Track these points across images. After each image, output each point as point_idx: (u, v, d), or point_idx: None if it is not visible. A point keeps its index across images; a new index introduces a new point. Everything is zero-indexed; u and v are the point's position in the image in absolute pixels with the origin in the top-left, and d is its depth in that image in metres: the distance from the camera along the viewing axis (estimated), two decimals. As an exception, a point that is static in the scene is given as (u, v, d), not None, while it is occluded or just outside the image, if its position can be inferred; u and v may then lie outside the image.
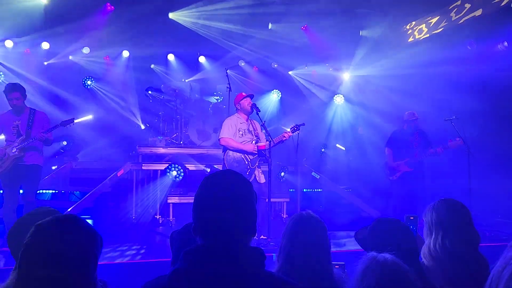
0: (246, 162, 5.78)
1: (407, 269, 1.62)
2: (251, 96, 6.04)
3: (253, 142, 5.87)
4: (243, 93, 6.08)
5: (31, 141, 5.26)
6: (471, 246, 2.37)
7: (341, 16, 8.58)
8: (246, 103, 5.91)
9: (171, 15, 9.07)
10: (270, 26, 9.39)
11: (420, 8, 8.40)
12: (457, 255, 2.28)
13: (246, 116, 5.97)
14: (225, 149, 5.85)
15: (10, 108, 5.43)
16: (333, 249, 2.16)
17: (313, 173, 8.07)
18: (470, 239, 2.38)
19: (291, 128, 5.92)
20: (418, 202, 6.35)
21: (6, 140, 5.41)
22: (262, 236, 5.54)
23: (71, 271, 1.29)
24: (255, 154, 5.78)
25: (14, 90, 5.33)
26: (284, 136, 5.81)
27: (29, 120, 5.35)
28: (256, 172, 5.84)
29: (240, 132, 5.84)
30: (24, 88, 5.45)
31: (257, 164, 5.85)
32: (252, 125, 5.99)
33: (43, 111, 5.71)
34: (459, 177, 6.55)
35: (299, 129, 5.92)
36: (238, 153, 5.77)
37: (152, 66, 10.52)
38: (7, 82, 6.05)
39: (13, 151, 5.22)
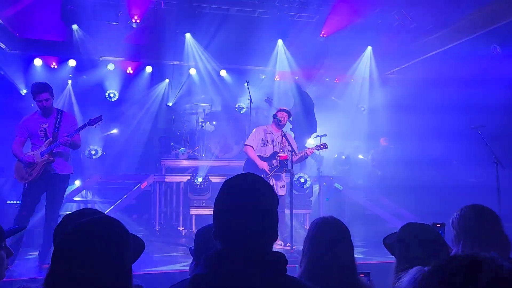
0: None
1: None
2: (287, 111, 6.22)
3: (277, 153, 6.01)
4: (282, 107, 6.36)
5: (57, 144, 4.75)
6: (502, 254, 2.27)
7: None
8: (281, 116, 6.10)
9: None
10: None
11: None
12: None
13: (277, 129, 6.12)
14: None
15: (37, 109, 4.93)
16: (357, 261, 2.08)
17: (336, 184, 7.96)
18: (501, 246, 2.28)
19: (315, 146, 6.08)
20: None
21: (32, 145, 4.91)
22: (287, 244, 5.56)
23: (106, 272, 1.27)
24: (266, 174, 5.88)
25: (43, 90, 4.77)
26: (307, 153, 6.02)
27: (56, 122, 4.86)
28: (273, 183, 5.88)
29: (262, 142, 5.95)
30: (51, 87, 4.89)
31: (272, 174, 5.90)
32: (283, 137, 6.07)
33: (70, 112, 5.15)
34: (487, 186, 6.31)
35: (326, 147, 6.07)
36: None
37: (166, 80, 10.53)
38: None
39: (41, 157, 4.75)
